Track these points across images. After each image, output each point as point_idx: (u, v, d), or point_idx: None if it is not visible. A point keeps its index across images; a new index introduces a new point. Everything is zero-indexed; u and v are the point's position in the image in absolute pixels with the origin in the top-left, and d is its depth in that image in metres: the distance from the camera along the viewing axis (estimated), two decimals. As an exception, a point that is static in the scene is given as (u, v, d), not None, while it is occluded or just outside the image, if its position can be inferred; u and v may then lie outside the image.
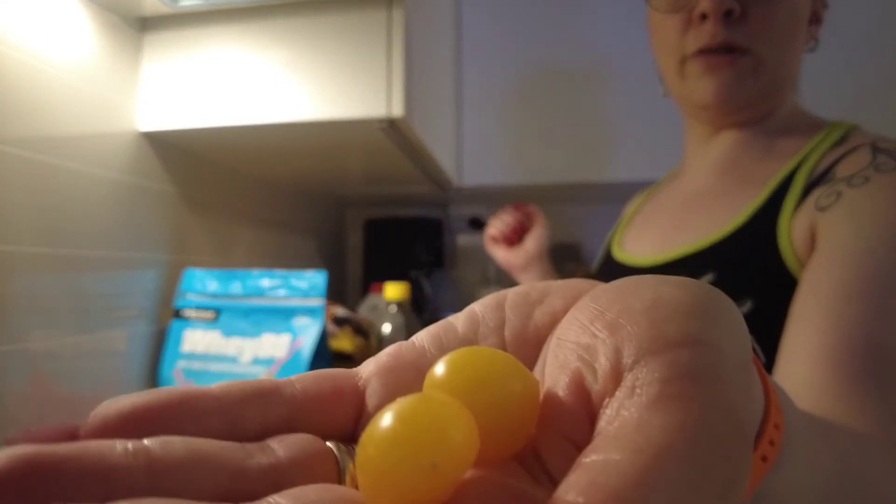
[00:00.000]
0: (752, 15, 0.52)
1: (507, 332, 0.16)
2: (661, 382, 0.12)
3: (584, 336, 0.14)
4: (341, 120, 0.73)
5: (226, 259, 1.01)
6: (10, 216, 0.58)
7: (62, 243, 0.65)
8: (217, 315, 0.78)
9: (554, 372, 0.14)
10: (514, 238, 0.91)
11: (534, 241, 0.89)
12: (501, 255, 0.91)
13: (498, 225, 0.91)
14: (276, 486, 0.13)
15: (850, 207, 0.45)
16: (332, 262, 1.63)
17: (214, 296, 0.79)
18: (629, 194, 0.82)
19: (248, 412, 0.14)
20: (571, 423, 0.13)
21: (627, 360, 0.12)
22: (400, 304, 0.88)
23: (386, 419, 0.12)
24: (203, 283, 0.80)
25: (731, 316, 0.14)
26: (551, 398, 0.13)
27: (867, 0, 1.12)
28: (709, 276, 0.51)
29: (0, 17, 0.58)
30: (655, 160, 1.09)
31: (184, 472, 0.12)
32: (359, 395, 0.16)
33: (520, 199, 1.51)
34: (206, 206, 0.95)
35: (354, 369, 0.17)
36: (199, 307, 0.79)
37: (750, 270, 0.49)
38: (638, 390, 0.12)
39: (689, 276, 0.51)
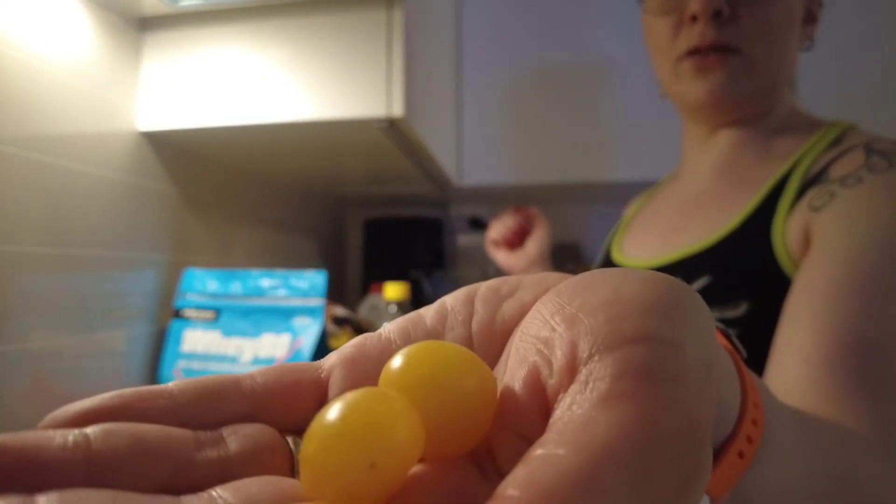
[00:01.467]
0: (742, 15, 0.53)
1: (475, 325, 0.16)
2: (613, 379, 0.11)
3: (543, 330, 0.13)
4: (341, 120, 0.73)
5: (226, 259, 1.01)
6: (10, 216, 0.59)
7: (62, 243, 0.65)
8: (217, 315, 0.78)
9: (513, 366, 0.14)
10: (516, 241, 0.91)
11: (535, 244, 0.89)
12: (503, 258, 0.91)
13: (499, 228, 0.91)
14: (223, 479, 0.13)
15: (844, 207, 0.45)
16: (331, 261, 1.63)
17: (214, 296, 0.79)
18: (629, 194, 0.82)
19: (204, 408, 0.14)
20: (525, 418, 0.12)
21: (583, 354, 0.12)
22: (400, 304, 0.88)
23: (329, 415, 0.11)
24: (203, 283, 0.80)
25: (695, 313, 0.14)
26: (508, 393, 0.13)
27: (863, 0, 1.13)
28: (704, 279, 0.51)
29: (0, 18, 0.58)
30: (655, 160, 1.10)
31: (125, 462, 0.12)
32: (321, 386, 0.16)
33: (520, 198, 1.51)
34: (205, 205, 0.95)
35: (318, 361, 0.17)
36: (199, 307, 0.79)
37: (745, 272, 0.49)
38: (590, 385, 0.11)
39: (684, 279, 0.50)
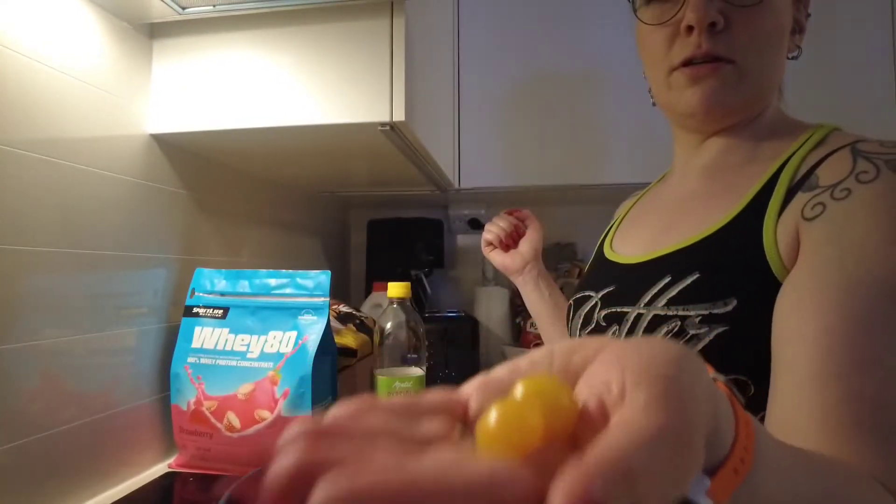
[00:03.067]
0: (735, 27, 0.54)
1: (555, 369, 0.25)
2: (646, 398, 0.19)
3: (605, 374, 0.22)
4: (345, 124, 0.76)
5: (234, 259, 1.04)
6: (24, 217, 0.61)
7: (74, 243, 0.67)
8: (226, 312, 0.80)
9: (585, 393, 0.22)
10: (510, 242, 0.93)
11: (528, 245, 0.90)
12: (497, 259, 0.92)
13: (493, 229, 0.92)
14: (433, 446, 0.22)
15: (832, 225, 0.45)
16: (336, 261, 1.65)
17: (223, 294, 0.82)
18: (622, 196, 0.84)
19: (411, 414, 0.24)
20: (597, 423, 0.21)
21: (629, 386, 0.20)
22: (401, 302, 0.90)
23: (495, 409, 0.21)
24: (212, 282, 0.83)
25: (698, 366, 0.22)
26: (584, 408, 0.22)
27: (846, 7, 1.15)
28: (694, 275, 0.52)
29: (18, 28, 0.60)
30: (647, 163, 1.12)
31: (386, 437, 0.22)
32: (464, 402, 0.25)
33: (518, 200, 1.54)
34: (214, 206, 0.97)
35: (460, 387, 0.26)
36: (209, 305, 0.81)
37: (734, 270, 0.50)
38: (632, 403, 0.20)
39: (673, 273, 0.53)
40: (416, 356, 0.89)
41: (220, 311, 0.80)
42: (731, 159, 0.60)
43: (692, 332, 0.50)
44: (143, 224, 0.80)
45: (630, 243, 0.66)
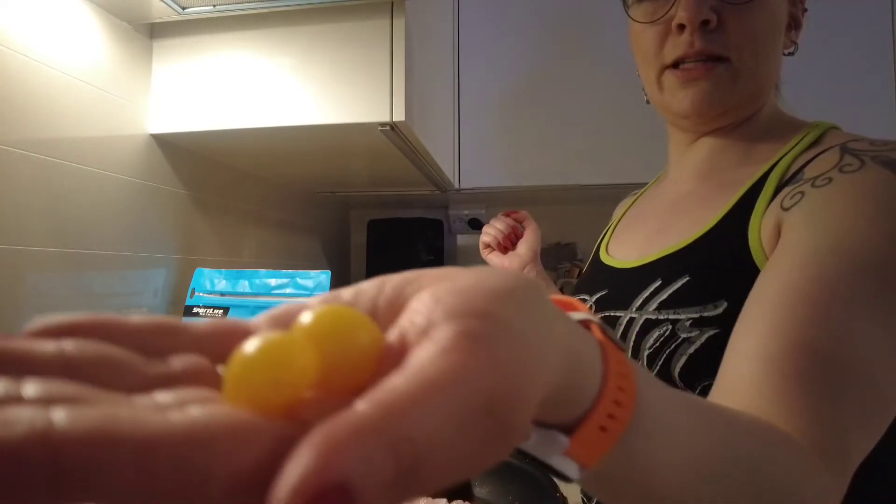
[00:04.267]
0: (729, 24, 0.52)
1: (381, 301, 0.20)
2: (450, 338, 0.15)
3: (418, 306, 0.17)
4: (345, 124, 0.76)
5: (234, 258, 1.04)
6: (25, 217, 0.61)
7: (74, 243, 0.68)
8: (226, 312, 0.80)
9: (394, 330, 0.18)
10: (507, 244, 0.93)
11: (526, 246, 0.90)
12: (496, 261, 0.92)
13: (490, 232, 0.92)
14: (166, 388, 0.16)
15: (810, 208, 0.45)
16: (336, 261, 1.65)
17: (223, 294, 0.82)
18: (622, 195, 0.84)
19: (157, 338, 0.18)
20: (392, 366, 0.16)
21: (435, 321, 0.16)
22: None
23: (246, 346, 0.16)
24: (212, 282, 0.83)
25: (535, 301, 0.18)
26: (386, 349, 0.17)
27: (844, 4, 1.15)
28: (684, 279, 0.52)
29: (18, 28, 0.60)
30: (646, 163, 1.12)
31: (92, 367, 0.16)
32: (249, 335, 0.19)
33: (517, 200, 1.54)
34: (214, 206, 0.97)
35: (252, 318, 0.21)
36: (209, 305, 0.81)
37: (722, 272, 0.50)
38: (433, 342, 0.15)
39: (664, 276, 0.52)
40: (416, 356, 0.89)
41: (220, 311, 0.80)
42: (724, 160, 0.59)
43: (683, 335, 0.50)
44: (144, 224, 0.80)
45: (624, 247, 0.66)
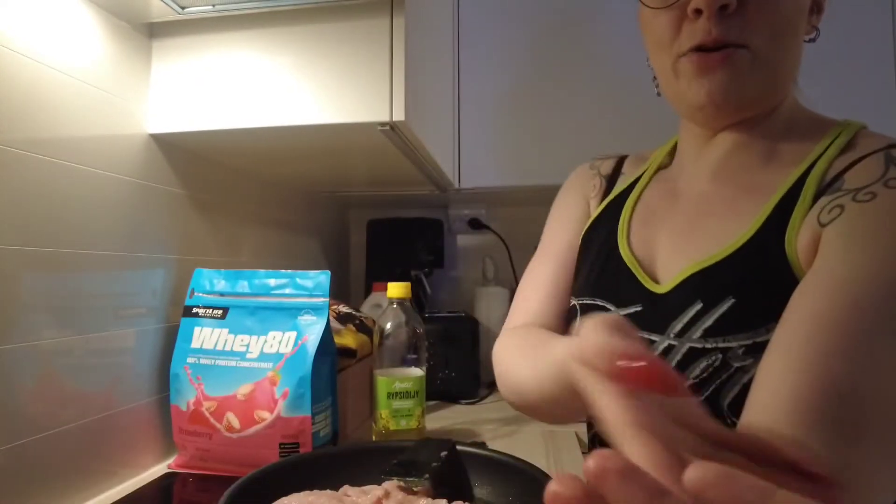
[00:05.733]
0: (749, 7, 0.48)
1: None
2: None
3: None
4: (344, 123, 0.75)
5: (233, 259, 1.04)
6: (23, 217, 0.60)
7: (73, 243, 0.67)
8: (225, 313, 0.80)
9: None
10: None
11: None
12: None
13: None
14: None
15: (849, 227, 0.42)
16: (335, 261, 1.65)
17: (223, 294, 0.82)
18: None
19: None
20: None
21: None
22: (401, 302, 0.90)
23: None
24: (211, 282, 0.83)
25: None
26: None
27: None
28: (729, 302, 0.48)
29: (17, 28, 0.60)
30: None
31: None
32: None
33: (517, 200, 1.53)
34: (213, 206, 0.97)
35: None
36: (208, 305, 0.81)
37: (767, 291, 0.46)
38: None
39: (704, 298, 0.49)
40: (415, 356, 0.89)
41: (220, 312, 0.80)
42: (746, 158, 0.55)
43: (736, 364, 0.47)
44: (143, 224, 0.79)
45: (647, 247, 0.61)
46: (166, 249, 0.84)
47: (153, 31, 0.81)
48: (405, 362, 0.88)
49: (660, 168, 0.69)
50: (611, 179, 0.73)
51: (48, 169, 0.64)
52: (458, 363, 1.29)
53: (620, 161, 0.75)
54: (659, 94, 0.60)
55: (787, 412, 0.36)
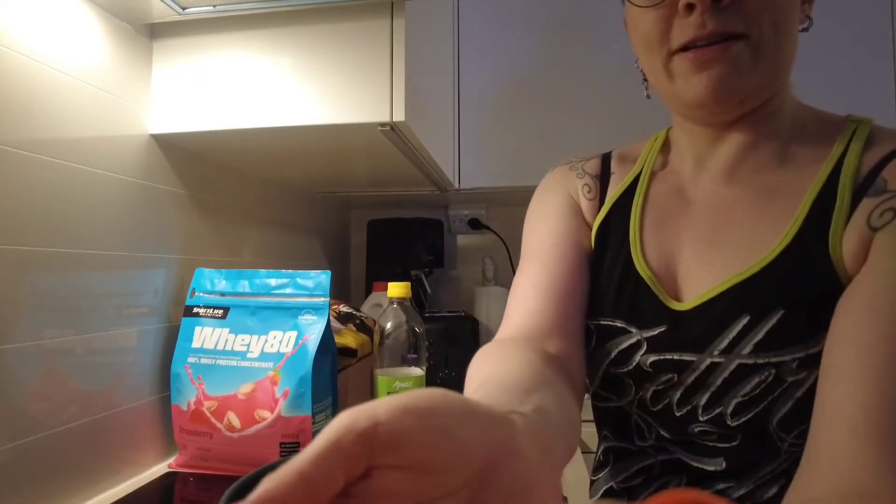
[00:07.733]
0: None
1: None
2: None
3: None
4: (345, 124, 0.76)
5: (234, 259, 1.04)
6: (26, 217, 0.61)
7: (75, 243, 0.68)
8: (226, 312, 0.80)
9: None
10: None
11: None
12: None
13: None
14: None
15: None
16: (336, 260, 1.65)
17: (223, 294, 0.82)
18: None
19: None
20: None
21: None
22: (401, 302, 0.90)
23: None
24: (212, 282, 0.83)
25: None
26: None
27: None
28: (778, 313, 0.46)
29: (18, 28, 0.61)
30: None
31: None
32: None
33: (517, 200, 1.53)
34: (214, 206, 0.97)
35: None
36: (209, 305, 0.81)
37: (815, 300, 0.45)
38: None
39: (751, 311, 0.47)
40: (416, 356, 0.89)
41: (221, 311, 0.81)
42: (760, 159, 0.53)
43: (790, 378, 0.45)
44: (144, 224, 0.80)
45: (664, 258, 0.57)
46: (167, 249, 0.85)
47: (154, 32, 0.81)
48: (405, 362, 0.89)
49: (654, 168, 0.65)
50: (602, 179, 0.68)
51: (50, 169, 0.64)
52: (458, 363, 1.29)
53: (604, 159, 0.71)
54: (648, 97, 0.59)
55: (867, 444, 0.34)
